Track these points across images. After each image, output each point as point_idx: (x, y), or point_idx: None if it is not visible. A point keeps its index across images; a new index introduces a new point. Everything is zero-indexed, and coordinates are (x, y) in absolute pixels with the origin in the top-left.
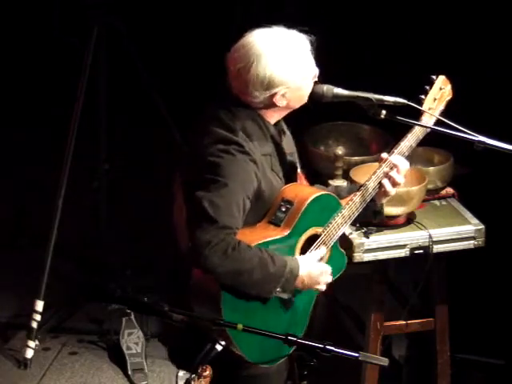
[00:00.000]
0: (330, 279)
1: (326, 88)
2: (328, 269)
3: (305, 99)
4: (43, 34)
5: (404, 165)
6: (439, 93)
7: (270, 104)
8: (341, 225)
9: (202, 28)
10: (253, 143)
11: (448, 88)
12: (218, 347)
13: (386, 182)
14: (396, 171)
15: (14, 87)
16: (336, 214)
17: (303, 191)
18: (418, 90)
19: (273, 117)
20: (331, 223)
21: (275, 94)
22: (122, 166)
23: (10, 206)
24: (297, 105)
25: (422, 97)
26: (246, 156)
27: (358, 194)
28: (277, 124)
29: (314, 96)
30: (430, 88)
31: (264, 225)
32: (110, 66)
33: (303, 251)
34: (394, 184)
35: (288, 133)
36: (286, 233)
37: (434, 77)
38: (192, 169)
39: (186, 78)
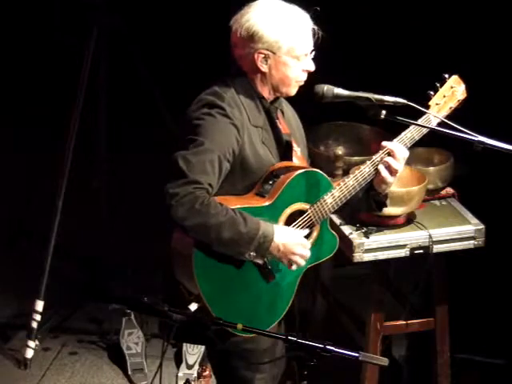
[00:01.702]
0: (307, 253)
1: (327, 88)
2: (307, 243)
3: (288, 83)
4: (44, 34)
5: (401, 152)
6: (450, 91)
7: (256, 68)
8: (330, 205)
9: (202, 28)
10: (239, 111)
11: (461, 88)
12: (192, 307)
13: (381, 167)
14: (393, 157)
15: (15, 87)
16: (326, 193)
17: (293, 167)
18: (417, 90)
19: (264, 90)
20: (320, 201)
21: (257, 50)
22: (122, 166)
23: (10, 206)
24: (280, 84)
25: (431, 92)
26: (227, 119)
27: (352, 176)
28: (274, 102)
29: (314, 96)
30: (441, 86)
31: (250, 195)
32: (110, 66)
33: (288, 225)
34: (391, 171)
35: (291, 116)
36: (268, 203)
37: (446, 75)
38: (180, 136)
39: (187, 77)
